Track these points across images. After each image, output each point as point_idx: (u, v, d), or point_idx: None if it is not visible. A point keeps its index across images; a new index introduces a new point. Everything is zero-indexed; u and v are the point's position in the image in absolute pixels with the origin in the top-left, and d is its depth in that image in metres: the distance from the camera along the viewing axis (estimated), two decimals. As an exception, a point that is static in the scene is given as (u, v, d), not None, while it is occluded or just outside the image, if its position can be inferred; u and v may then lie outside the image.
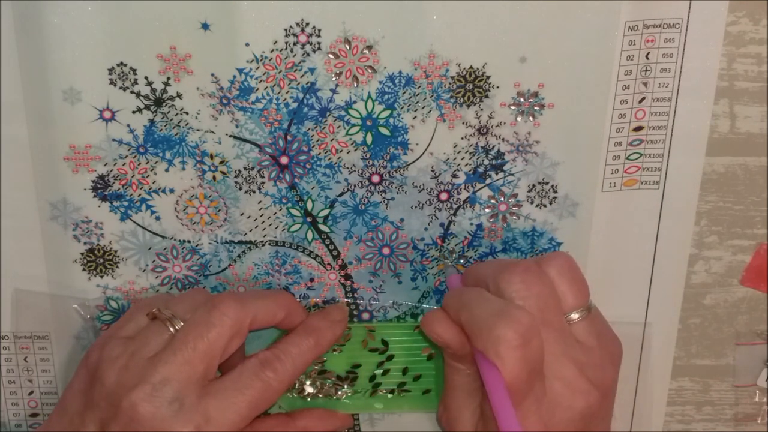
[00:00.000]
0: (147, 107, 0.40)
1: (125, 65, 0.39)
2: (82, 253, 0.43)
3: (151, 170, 0.41)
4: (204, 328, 0.36)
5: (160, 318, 0.37)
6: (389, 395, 0.44)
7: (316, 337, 0.40)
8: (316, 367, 0.44)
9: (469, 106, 0.40)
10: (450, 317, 0.37)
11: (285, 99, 0.40)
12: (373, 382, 0.44)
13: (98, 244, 0.43)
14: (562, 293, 0.37)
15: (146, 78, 0.39)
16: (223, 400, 0.36)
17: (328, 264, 0.43)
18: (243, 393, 0.36)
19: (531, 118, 0.40)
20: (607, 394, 0.37)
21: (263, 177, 0.41)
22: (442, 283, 0.44)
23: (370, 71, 0.39)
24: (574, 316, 0.37)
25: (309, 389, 0.44)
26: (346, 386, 0.44)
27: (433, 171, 0.41)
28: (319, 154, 0.41)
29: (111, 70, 0.39)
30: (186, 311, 0.38)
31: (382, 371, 0.44)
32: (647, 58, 0.39)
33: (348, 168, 0.41)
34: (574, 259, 0.38)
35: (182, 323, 0.37)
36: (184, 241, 0.43)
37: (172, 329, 0.37)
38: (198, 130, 0.40)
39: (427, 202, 0.42)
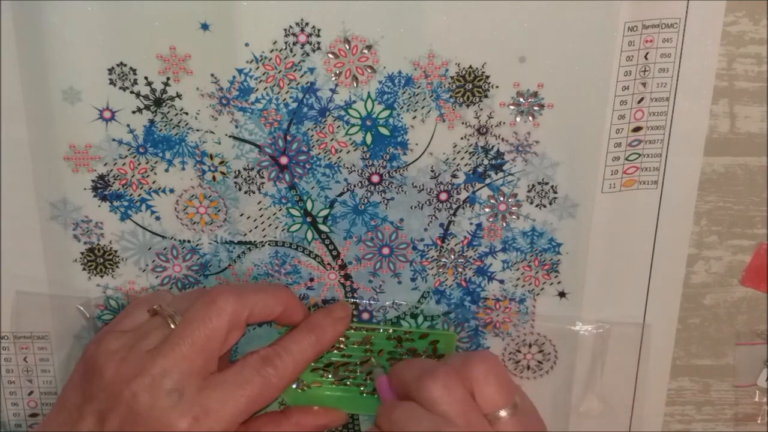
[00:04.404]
0: (147, 107, 0.40)
1: (125, 65, 0.39)
2: (82, 253, 0.43)
3: (151, 170, 0.41)
4: (201, 322, 0.36)
5: (162, 314, 0.38)
6: None
7: (317, 335, 0.40)
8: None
9: (468, 105, 0.40)
10: None
11: (285, 99, 0.40)
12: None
13: (98, 244, 0.43)
14: (489, 393, 0.37)
15: (146, 78, 0.39)
16: (223, 393, 0.36)
17: (328, 264, 0.43)
18: (243, 388, 0.36)
19: (530, 118, 0.40)
20: None
21: (263, 177, 0.41)
22: (442, 283, 0.44)
23: (369, 71, 0.39)
24: (502, 413, 0.37)
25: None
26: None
27: (432, 171, 0.41)
28: (319, 154, 0.41)
29: (111, 70, 0.39)
30: (188, 309, 0.38)
31: None
32: (646, 59, 0.39)
33: (348, 168, 0.41)
34: (497, 358, 0.38)
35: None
36: (184, 241, 0.43)
37: (173, 325, 0.37)
38: (198, 130, 0.40)
39: (427, 202, 0.42)
